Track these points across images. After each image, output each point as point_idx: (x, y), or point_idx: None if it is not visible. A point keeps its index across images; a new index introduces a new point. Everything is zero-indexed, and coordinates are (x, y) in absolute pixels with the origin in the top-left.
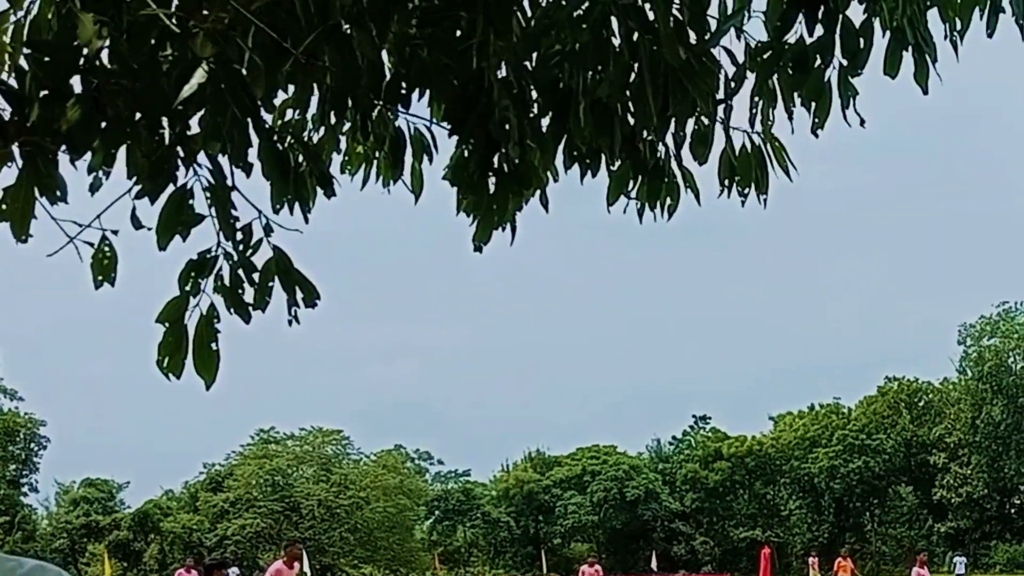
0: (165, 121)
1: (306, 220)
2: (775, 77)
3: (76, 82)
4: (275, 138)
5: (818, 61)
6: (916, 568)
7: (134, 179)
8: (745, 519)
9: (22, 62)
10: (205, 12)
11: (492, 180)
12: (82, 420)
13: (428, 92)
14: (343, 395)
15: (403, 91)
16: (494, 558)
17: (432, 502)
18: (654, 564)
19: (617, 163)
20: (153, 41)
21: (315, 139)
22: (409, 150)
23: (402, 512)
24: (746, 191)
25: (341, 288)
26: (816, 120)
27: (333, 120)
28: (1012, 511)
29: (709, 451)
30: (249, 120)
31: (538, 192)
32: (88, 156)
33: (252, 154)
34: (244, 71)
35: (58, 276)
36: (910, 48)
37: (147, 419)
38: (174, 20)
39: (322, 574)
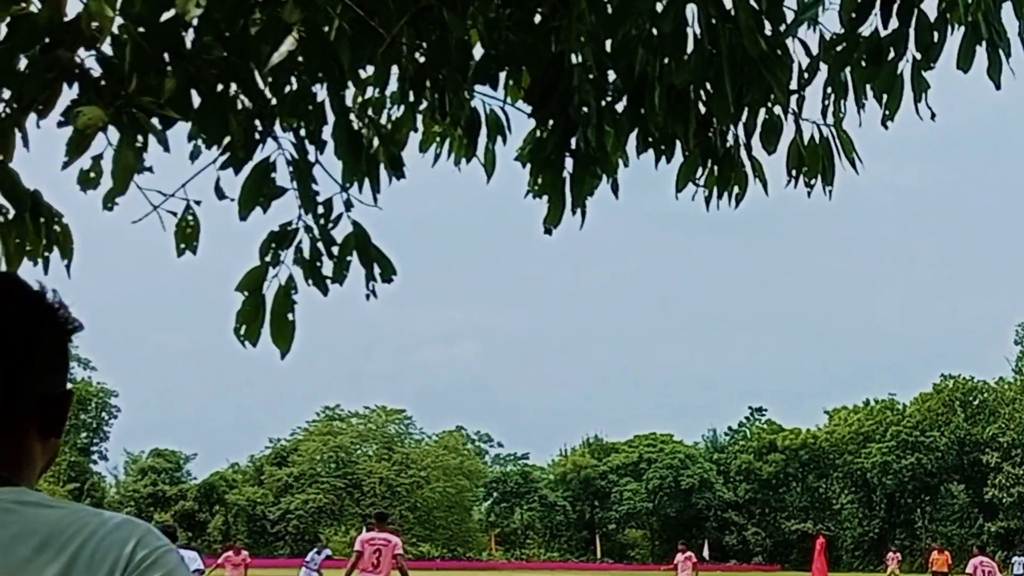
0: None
1: (375, 200)
2: (848, 69)
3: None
4: (350, 116)
5: (892, 54)
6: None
7: (219, 151)
8: (797, 511)
9: (116, 31)
10: None
11: (569, 162)
12: (152, 391)
13: (506, 73)
14: (406, 375)
15: (490, 71)
16: (549, 541)
17: (490, 484)
18: (706, 553)
19: (688, 150)
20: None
21: (393, 117)
22: (484, 130)
23: (461, 493)
24: (813, 182)
25: (406, 270)
26: (887, 112)
27: (412, 98)
28: None
29: (764, 443)
30: (328, 96)
31: (607, 178)
32: (179, 126)
33: (326, 131)
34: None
35: (132, 247)
36: (983, 43)
37: (216, 392)
38: None
39: None
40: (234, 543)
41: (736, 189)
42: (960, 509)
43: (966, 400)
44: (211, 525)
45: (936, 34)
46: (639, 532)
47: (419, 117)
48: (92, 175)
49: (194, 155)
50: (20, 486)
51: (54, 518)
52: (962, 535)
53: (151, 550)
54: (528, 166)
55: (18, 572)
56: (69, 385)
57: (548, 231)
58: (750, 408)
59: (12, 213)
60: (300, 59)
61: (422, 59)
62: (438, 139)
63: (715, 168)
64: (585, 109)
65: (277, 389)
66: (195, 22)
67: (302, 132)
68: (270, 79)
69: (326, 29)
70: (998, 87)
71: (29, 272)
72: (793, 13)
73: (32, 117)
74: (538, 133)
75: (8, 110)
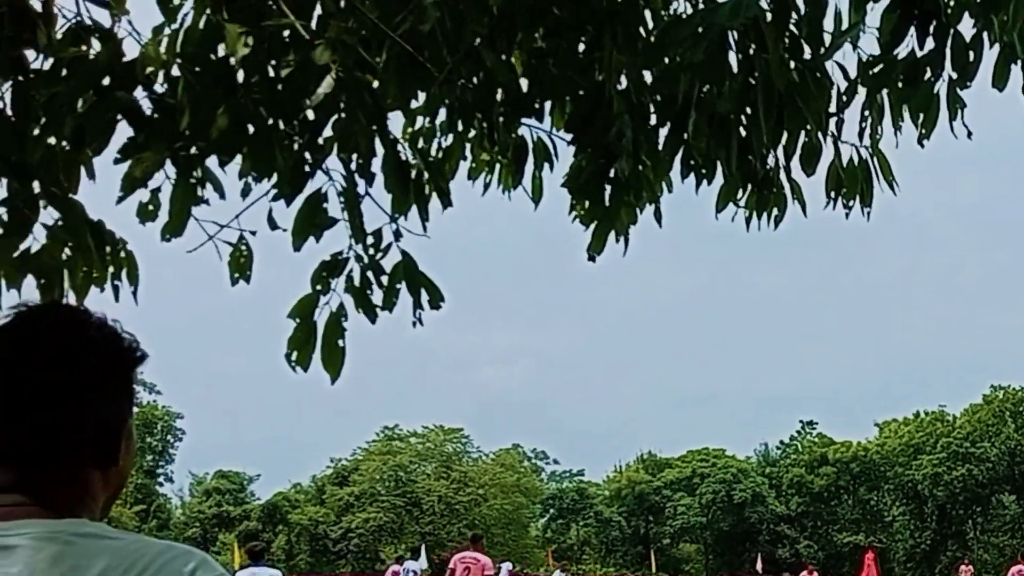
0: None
1: (424, 229)
2: (884, 91)
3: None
4: (399, 148)
5: (928, 74)
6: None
7: (271, 183)
8: (849, 524)
9: (175, 71)
10: (332, 22)
11: (608, 190)
12: (216, 414)
13: (551, 103)
14: (462, 395)
15: (534, 105)
16: (605, 556)
17: (547, 500)
18: (759, 566)
19: (729, 173)
20: (281, 48)
21: (443, 145)
22: (531, 159)
23: (518, 510)
24: (851, 204)
25: (458, 292)
26: (923, 131)
27: (460, 128)
28: None
29: (815, 456)
30: (367, 131)
31: (651, 204)
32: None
33: (376, 164)
34: (375, 81)
35: (194, 274)
36: (1019, 62)
37: (278, 414)
38: (307, 29)
39: (441, 567)
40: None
41: (775, 211)
42: (1012, 519)
43: (1017, 410)
44: (275, 545)
45: (972, 54)
46: (693, 546)
47: (467, 146)
48: (150, 208)
49: (245, 192)
50: (81, 517)
51: (111, 550)
52: (1014, 545)
53: None
54: (572, 194)
55: None
56: (136, 410)
57: (592, 258)
58: (801, 422)
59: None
60: (341, 98)
61: (465, 88)
62: (487, 167)
63: (755, 191)
64: (623, 139)
65: (337, 410)
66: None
67: (352, 164)
68: (320, 116)
69: (376, 60)
70: None
71: (98, 301)
72: (831, 37)
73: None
74: (579, 161)
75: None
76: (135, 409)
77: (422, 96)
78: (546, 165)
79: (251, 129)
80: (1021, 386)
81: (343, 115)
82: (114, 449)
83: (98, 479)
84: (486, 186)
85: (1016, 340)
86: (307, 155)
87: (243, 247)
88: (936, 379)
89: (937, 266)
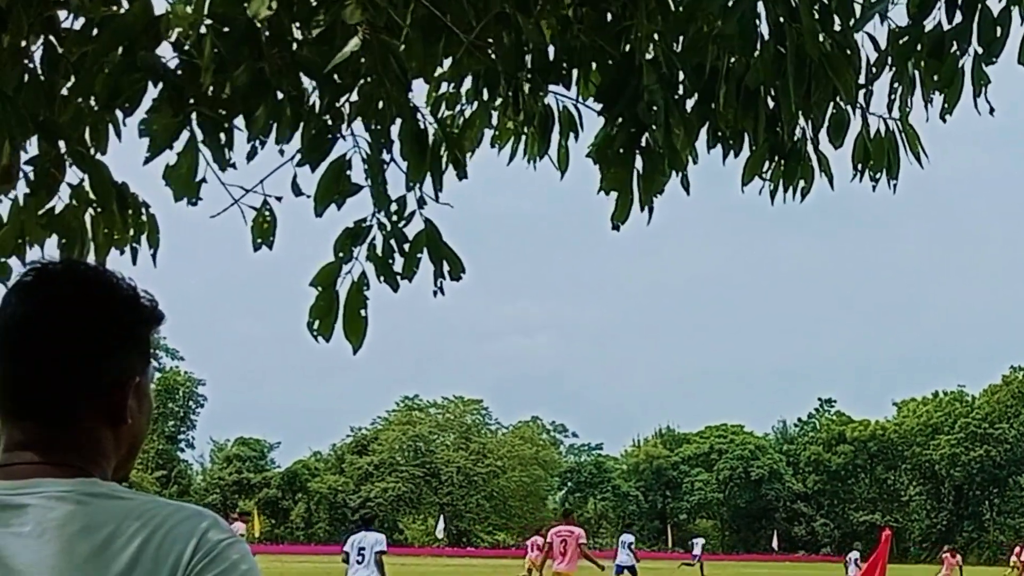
0: (318, 93)
1: (436, 198)
2: (911, 63)
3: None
4: (417, 116)
5: (954, 48)
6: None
7: (294, 148)
8: (865, 503)
9: (201, 30)
10: None
11: (639, 159)
12: (238, 380)
13: (580, 72)
14: (483, 366)
15: (563, 71)
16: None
17: (565, 473)
18: (775, 544)
19: (755, 145)
20: (310, 10)
21: (467, 113)
22: (557, 127)
23: (536, 482)
24: (878, 176)
25: (484, 263)
26: (946, 105)
27: (486, 96)
28: None
29: (833, 434)
30: (393, 95)
31: (677, 174)
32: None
33: (394, 131)
34: (401, 44)
35: (218, 240)
36: None
37: (299, 382)
38: None
39: (458, 538)
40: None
41: (802, 183)
42: None
43: None
44: (294, 512)
45: (999, 29)
46: (710, 522)
47: (494, 114)
48: (177, 171)
49: (251, 155)
50: (92, 476)
51: (123, 510)
52: None
53: (216, 542)
54: (599, 163)
55: (85, 566)
56: (158, 375)
57: (616, 227)
58: (820, 400)
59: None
60: (363, 60)
61: (493, 56)
62: (512, 136)
63: (782, 163)
64: (655, 107)
65: (358, 379)
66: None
67: (368, 131)
68: (345, 79)
69: (401, 26)
70: None
71: (118, 263)
72: (861, 8)
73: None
74: (608, 130)
75: (97, 107)
76: (155, 373)
77: (447, 62)
78: (571, 135)
79: (273, 90)
80: None
81: (367, 80)
82: (122, 408)
83: (109, 437)
84: (512, 155)
85: None
86: (328, 120)
87: (267, 212)
88: (956, 359)
89: (961, 245)
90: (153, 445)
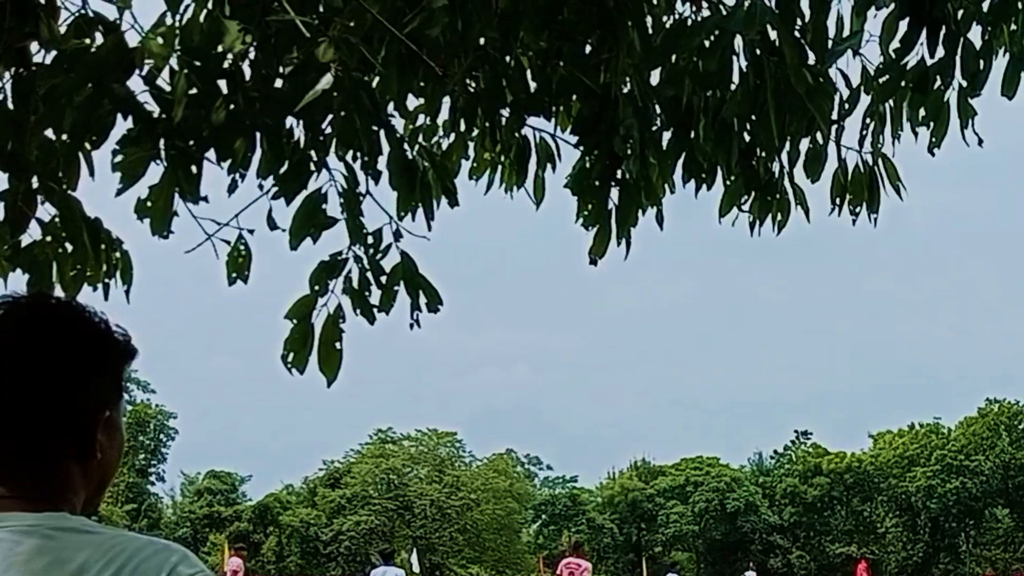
0: (301, 125)
1: (429, 228)
2: (892, 99)
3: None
4: (404, 146)
5: (938, 82)
6: None
7: (271, 181)
8: (841, 535)
9: (174, 63)
10: (336, 20)
11: (615, 191)
12: (209, 414)
13: (559, 105)
14: (457, 399)
15: (543, 103)
16: (597, 563)
17: (539, 506)
18: None
19: (731, 178)
20: (284, 47)
21: (444, 145)
22: (534, 158)
23: (510, 515)
24: (857, 210)
25: (457, 294)
26: (933, 139)
27: (463, 127)
28: None
29: (809, 466)
30: (380, 128)
31: (652, 207)
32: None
33: (382, 162)
34: (376, 78)
35: (189, 274)
36: None
37: (271, 415)
38: (309, 27)
39: (431, 572)
40: None
41: (779, 216)
42: (1005, 533)
43: (1012, 424)
44: (265, 546)
45: (982, 62)
46: (685, 555)
47: (470, 145)
48: (148, 204)
49: (231, 188)
50: (61, 510)
51: (91, 544)
52: (1007, 559)
53: None
54: (576, 194)
55: None
56: (129, 408)
57: (593, 262)
58: (796, 432)
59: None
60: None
61: (473, 89)
62: (489, 167)
63: (757, 196)
64: (630, 140)
65: (331, 412)
66: (251, 55)
67: (355, 163)
68: (317, 115)
69: (377, 59)
70: None
71: (88, 298)
72: (832, 44)
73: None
74: (584, 162)
75: (67, 139)
76: (128, 407)
77: (424, 93)
78: (548, 166)
79: (253, 126)
80: (1016, 400)
81: (341, 113)
82: (91, 442)
83: (78, 471)
84: (488, 185)
85: (1012, 354)
86: (312, 153)
87: (241, 246)
88: (931, 391)
89: (934, 278)
90: (123, 478)
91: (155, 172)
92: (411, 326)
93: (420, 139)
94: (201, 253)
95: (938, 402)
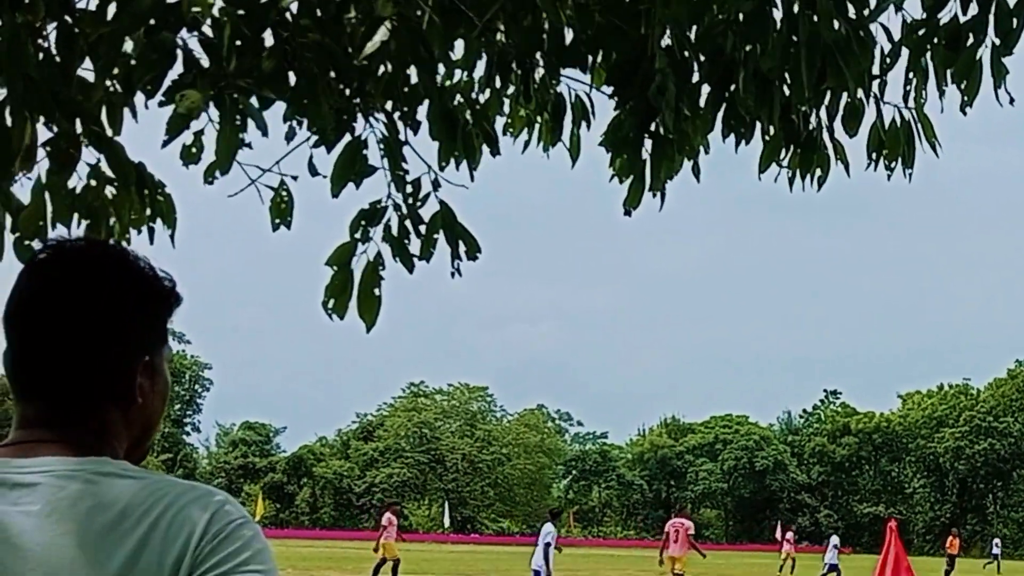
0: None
1: (471, 178)
2: (928, 54)
3: (268, 35)
4: (444, 98)
5: (971, 39)
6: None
7: (313, 128)
8: (869, 495)
9: (216, 13)
10: None
11: (648, 144)
12: (244, 365)
13: (592, 58)
14: (489, 353)
15: (580, 54)
16: (626, 519)
17: (570, 462)
18: (779, 534)
19: (771, 132)
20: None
21: (480, 100)
22: (569, 115)
23: (541, 470)
24: (893, 165)
25: (490, 250)
26: (965, 98)
27: (498, 83)
28: None
29: (838, 426)
30: (423, 78)
31: (689, 160)
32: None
33: (421, 112)
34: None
35: (222, 225)
36: None
37: (306, 367)
38: None
39: (462, 525)
40: None
41: (818, 172)
42: None
43: None
44: (299, 497)
45: (1015, 20)
46: (713, 512)
47: (506, 102)
48: (194, 151)
49: (289, 136)
50: (103, 455)
51: (132, 489)
52: None
53: (226, 523)
54: (611, 150)
55: (94, 545)
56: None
57: (628, 212)
58: (825, 391)
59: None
60: (392, 46)
61: (508, 42)
62: (524, 124)
63: (797, 151)
64: (665, 93)
65: (365, 365)
66: (293, 6)
67: (394, 113)
68: (364, 63)
69: (418, 14)
70: None
71: (136, 243)
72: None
73: (140, 96)
74: (619, 116)
75: (116, 88)
76: (172, 353)
77: (459, 49)
78: (583, 123)
79: (295, 75)
80: None
81: (392, 63)
82: (130, 386)
83: (119, 417)
84: (526, 144)
85: None
86: (356, 101)
87: (284, 192)
88: (961, 352)
89: (968, 238)
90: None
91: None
92: (452, 274)
93: (457, 96)
94: (235, 204)
95: (968, 363)
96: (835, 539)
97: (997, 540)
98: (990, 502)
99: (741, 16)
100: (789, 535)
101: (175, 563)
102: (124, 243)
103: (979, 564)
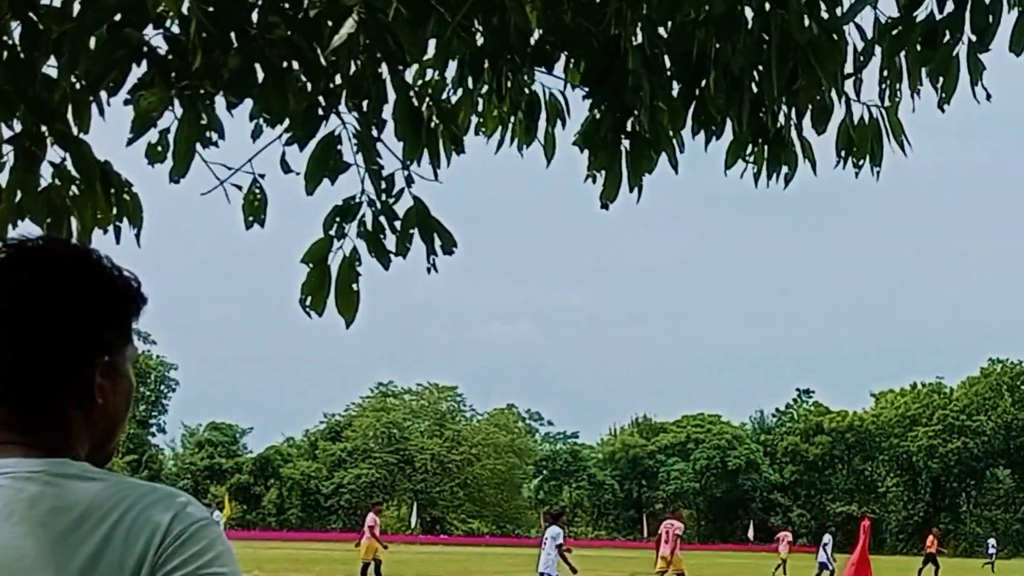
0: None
1: (435, 175)
2: (903, 53)
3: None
4: (411, 95)
5: (947, 37)
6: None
7: (284, 125)
8: (842, 494)
9: (185, 11)
10: None
11: (625, 143)
12: (210, 365)
13: (566, 56)
14: (459, 353)
15: (548, 54)
16: (597, 519)
17: (540, 462)
18: (751, 534)
19: (739, 129)
20: None
21: (452, 100)
22: (543, 114)
23: (511, 470)
24: (861, 163)
25: (463, 248)
26: (943, 95)
27: (471, 83)
28: None
29: (810, 425)
30: (388, 75)
31: (664, 158)
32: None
33: (387, 110)
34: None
35: (189, 224)
36: None
37: (273, 367)
38: None
39: (431, 526)
40: None
41: (785, 169)
42: (1006, 493)
43: (1014, 384)
44: (266, 499)
45: (991, 16)
46: (686, 512)
47: (480, 101)
48: (159, 149)
49: (256, 134)
50: (64, 457)
51: (93, 491)
52: (1007, 519)
53: (189, 524)
54: (586, 150)
55: (54, 547)
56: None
57: (605, 206)
58: (798, 390)
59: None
60: (361, 40)
61: (481, 41)
62: (498, 124)
63: (765, 147)
64: (641, 92)
65: (333, 364)
66: (259, 1)
67: (365, 109)
68: (332, 59)
69: (390, 5)
70: None
71: (101, 242)
72: None
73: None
74: (594, 115)
75: (80, 86)
76: (137, 353)
77: (431, 46)
78: (558, 122)
79: (262, 71)
80: (1019, 360)
81: (360, 59)
82: (89, 386)
83: (80, 418)
84: (499, 143)
85: (1015, 314)
86: (320, 99)
87: (257, 190)
88: (934, 351)
89: (942, 237)
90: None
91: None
92: (428, 270)
93: (428, 96)
94: (205, 202)
95: (941, 361)
96: (827, 538)
97: (992, 540)
98: (963, 501)
99: (712, 15)
100: (785, 535)
101: (137, 564)
102: (86, 242)
103: (956, 564)
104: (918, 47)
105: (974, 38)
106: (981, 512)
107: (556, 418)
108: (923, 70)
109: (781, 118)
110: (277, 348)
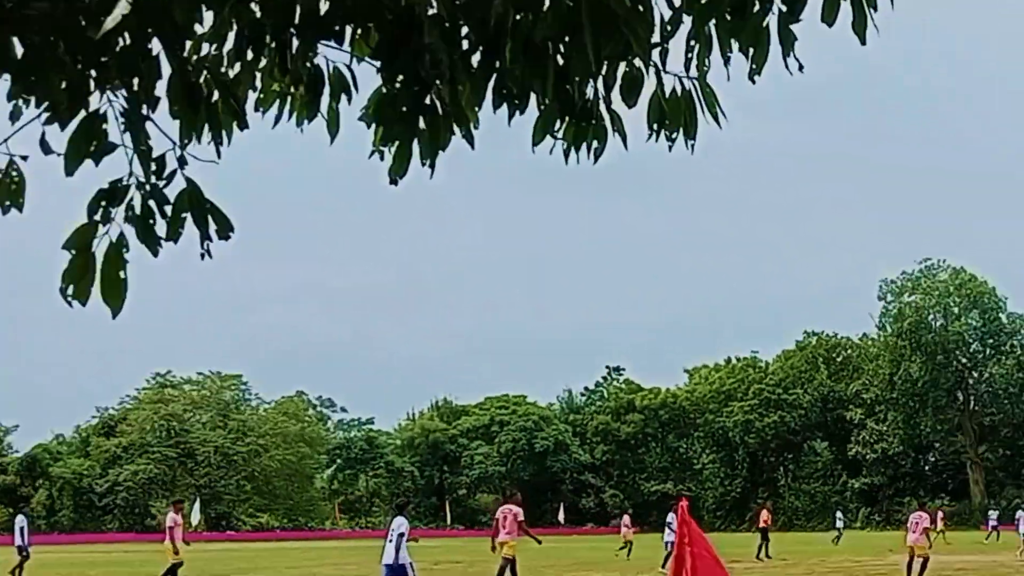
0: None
1: (218, 155)
2: (713, 22)
3: None
4: (188, 70)
5: (757, 7)
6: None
7: (43, 104)
8: (657, 472)
9: None
10: None
11: (422, 118)
12: None
13: (355, 29)
14: (243, 338)
15: (337, 27)
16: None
17: (333, 451)
18: (561, 517)
19: (544, 104)
20: None
21: (230, 75)
22: (327, 89)
23: (302, 460)
24: (674, 136)
25: (243, 228)
26: (754, 66)
27: (250, 56)
28: (926, 468)
29: (622, 403)
30: (162, 52)
31: (461, 133)
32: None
33: (160, 87)
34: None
35: None
36: None
37: (39, 360)
38: None
39: (217, 522)
40: None
41: (595, 143)
42: (824, 466)
43: (829, 356)
44: (35, 500)
45: None
46: (491, 497)
47: (258, 76)
48: None
49: (15, 115)
50: None
51: None
52: (825, 492)
53: None
54: (374, 126)
55: None
56: None
57: (394, 181)
58: (607, 368)
59: None
60: (135, 20)
61: (260, 13)
62: (277, 98)
63: (573, 122)
64: (439, 65)
65: (105, 355)
66: None
67: (135, 87)
68: (113, 38)
69: None
70: (863, 42)
71: None
72: None
73: None
74: (386, 90)
75: None
76: None
77: (207, 21)
78: (344, 96)
79: (21, 48)
80: (834, 332)
81: (131, 36)
82: None
83: None
84: (277, 118)
85: (830, 286)
86: (91, 74)
87: (14, 172)
88: (748, 324)
89: (753, 211)
90: None
91: None
92: (202, 256)
93: (206, 68)
94: None
95: (755, 335)
96: (671, 517)
97: (993, 513)
98: (781, 475)
99: None
100: (626, 519)
101: None
102: None
103: (792, 537)
104: (727, 17)
105: (784, 8)
106: (799, 485)
107: (350, 404)
108: (733, 41)
109: (589, 91)
110: (43, 339)
